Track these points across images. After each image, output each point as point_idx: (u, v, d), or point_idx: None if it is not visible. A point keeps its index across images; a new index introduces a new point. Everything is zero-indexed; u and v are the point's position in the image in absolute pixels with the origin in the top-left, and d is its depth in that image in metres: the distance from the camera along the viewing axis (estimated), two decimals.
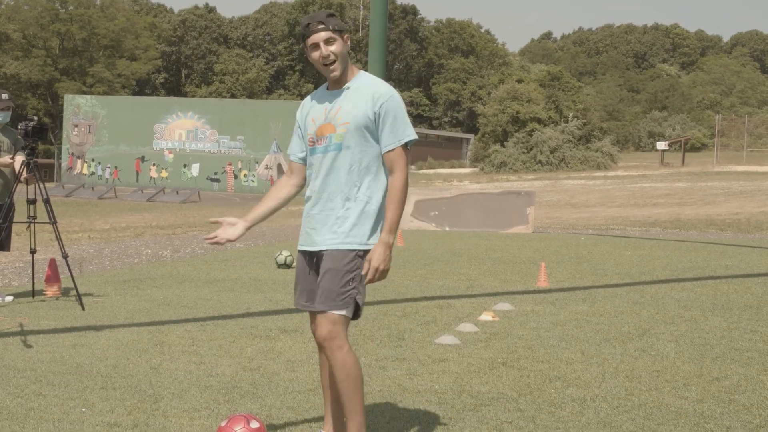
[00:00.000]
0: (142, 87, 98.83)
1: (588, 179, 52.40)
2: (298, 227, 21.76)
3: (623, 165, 70.80)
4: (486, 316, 8.43)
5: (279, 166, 42.60)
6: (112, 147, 43.71)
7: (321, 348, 4.26)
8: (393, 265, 12.75)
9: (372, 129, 4.19)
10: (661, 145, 76.24)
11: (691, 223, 23.22)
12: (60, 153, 47.79)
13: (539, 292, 10.35)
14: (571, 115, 76.64)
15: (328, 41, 4.21)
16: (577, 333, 7.82)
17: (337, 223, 4.19)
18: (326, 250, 4.20)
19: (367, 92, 4.22)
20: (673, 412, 5.37)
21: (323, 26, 4.21)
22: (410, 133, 4.20)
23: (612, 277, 11.68)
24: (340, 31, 4.23)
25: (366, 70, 4.63)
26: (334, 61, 4.22)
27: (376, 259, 4.08)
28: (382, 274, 4.11)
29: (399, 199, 4.16)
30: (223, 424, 4.30)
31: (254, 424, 4.29)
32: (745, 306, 9.33)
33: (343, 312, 4.16)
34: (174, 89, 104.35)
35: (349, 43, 4.29)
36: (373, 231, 4.20)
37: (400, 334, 7.69)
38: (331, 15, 4.27)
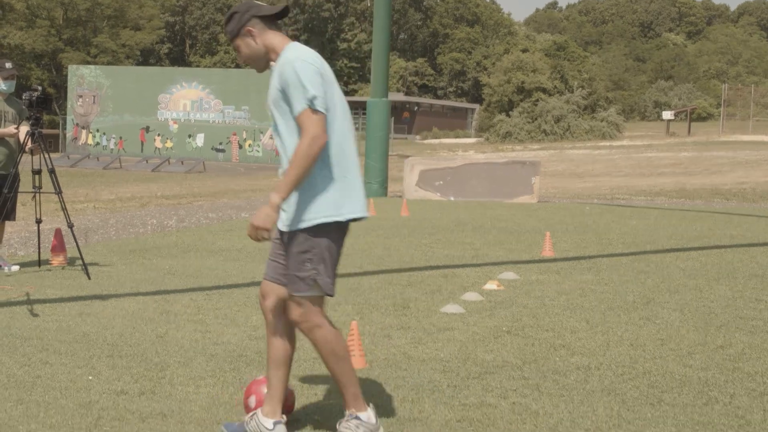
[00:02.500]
0: (147, 57, 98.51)
1: (593, 149, 52.29)
2: None
3: (629, 135, 70.63)
4: (491, 285, 8.44)
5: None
6: (116, 117, 43.63)
7: (295, 326, 4.26)
8: (398, 234, 12.76)
9: (285, 103, 4.07)
10: (667, 114, 75.99)
11: (696, 192, 23.19)
12: (65, 123, 47.77)
13: (544, 261, 10.36)
14: (576, 84, 76.36)
15: (236, 49, 4.23)
16: (582, 302, 7.83)
17: (287, 203, 4.09)
18: (283, 231, 4.15)
19: (276, 68, 4.13)
20: (678, 379, 5.39)
21: (228, 36, 4.24)
22: (307, 95, 3.97)
23: (617, 247, 11.67)
24: (237, 35, 4.17)
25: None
26: (249, 64, 4.21)
27: (253, 217, 4.02)
28: (257, 231, 4.01)
29: (296, 162, 3.95)
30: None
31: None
32: (750, 275, 9.33)
33: (308, 294, 4.12)
34: (178, 59, 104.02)
35: (255, 29, 4.15)
36: (318, 205, 4.06)
37: (405, 303, 7.70)
38: (229, 18, 4.20)
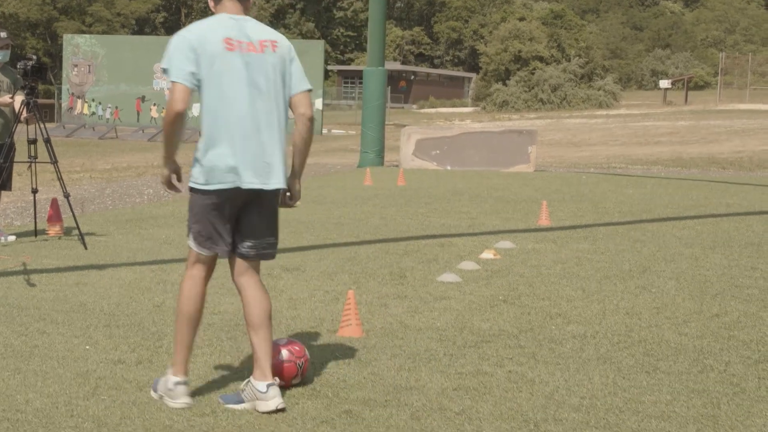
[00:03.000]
0: (142, 26, 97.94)
1: (590, 118, 52.21)
2: None
3: (625, 103, 70.49)
4: (487, 254, 8.45)
5: None
6: (112, 87, 43.43)
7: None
8: (395, 203, 12.77)
9: None
10: (664, 83, 75.82)
11: (693, 161, 23.18)
12: (60, 93, 47.57)
13: (540, 230, 10.36)
14: (573, 53, 76.11)
15: None
16: (578, 270, 7.84)
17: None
18: None
19: None
20: (673, 348, 5.41)
21: None
22: (163, 65, 4.27)
23: (613, 215, 11.68)
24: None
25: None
26: None
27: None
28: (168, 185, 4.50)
29: (162, 133, 4.38)
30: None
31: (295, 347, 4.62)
32: (746, 243, 9.35)
33: (189, 242, 4.47)
34: (174, 28, 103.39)
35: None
36: (194, 170, 4.32)
37: (401, 272, 7.71)
38: None
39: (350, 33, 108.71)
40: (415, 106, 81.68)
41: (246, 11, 4.39)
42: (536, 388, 4.62)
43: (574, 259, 8.42)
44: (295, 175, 4.50)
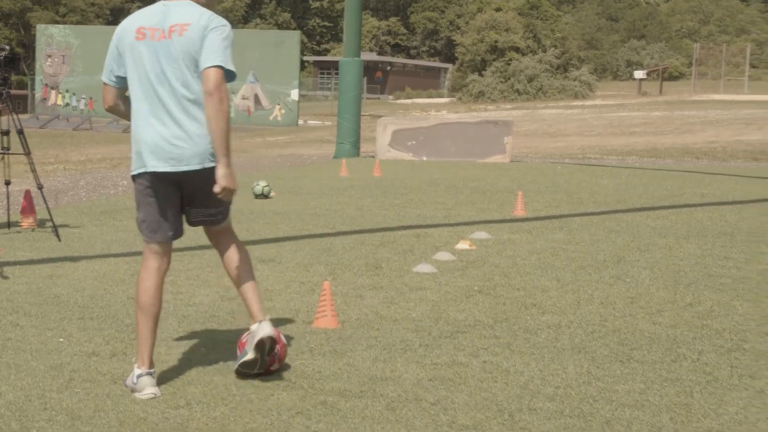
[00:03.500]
0: (116, 16, 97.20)
1: (565, 108, 52.37)
2: (275, 158, 21.70)
3: (601, 94, 70.72)
4: (463, 245, 8.47)
5: (256, 96, 42.31)
6: (86, 77, 43.19)
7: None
8: (371, 194, 12.77)
9: None
10: (639, 74, 76.08)
11: (667, 151, 23.30)
12: (33, 84, 47.21)
13: (516, 220, 10.39)
14: (549, 44, 76.27)
15: None
16: (553, 261, 7.87)
17: None
18: None
19: None
20: (647, 337, 5.45)
21: None
22: None
23: (588, 206, 11.73)
24: None
25: None
26: None
27: None
28: None
29: None
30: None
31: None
32: (720, 233, 9.42)
33: (142, 234, 4.60)
34: None
35: None
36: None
37: (377, 263, 7.72)
38: None
39: (326, 23, 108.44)
40: (391, 97, 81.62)
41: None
42: (511, 378, 4.64)
43: (549, 249, 8.45)
44: (217, 158, 4.36)
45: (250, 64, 41.43)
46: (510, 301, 6.35)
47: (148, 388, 4.35)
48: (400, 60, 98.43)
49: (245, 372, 4.53)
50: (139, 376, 4.37)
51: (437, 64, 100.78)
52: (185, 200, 4.53)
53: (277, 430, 3.95)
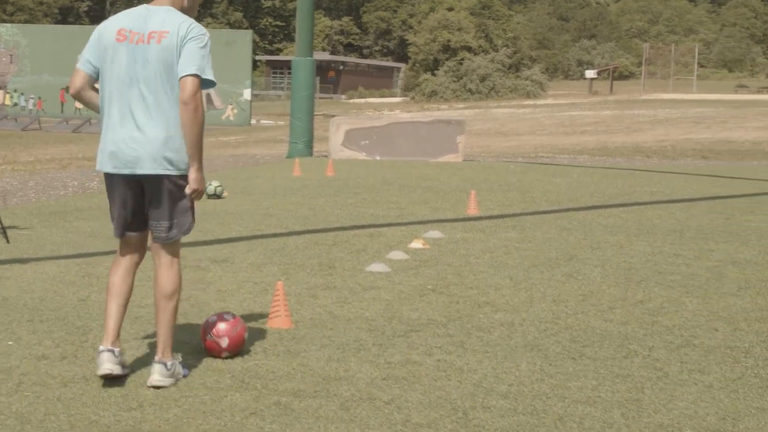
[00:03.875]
0: (65, 15, 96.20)
1: (518, 108, 52.71)
2: (228, 158, 21.58)
3: (552, 93, 71.29)
4: (416, 244, 8.48)
5: (208, 96, 42.01)
6: (35, 77, 42.68)
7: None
8: (324, 194, 12.75)
9: None
10: (590, 73, 76.84)
11: (618, 150, 23.54)
12: None
13: (469, 219, 10.44)
14: (501, 43, 76.71)
15: None
16: (506, 259, 7.91)
17: None
18: None
19: None
20: (599, 334, 5.50)
21: None
22: None
23: (540, 204, 11.81)
24: None
25: None
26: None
27: None
28: None
29: None
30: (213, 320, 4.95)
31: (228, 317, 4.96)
32: (669, 230, 9.53)
33: None
34: (99, 18, 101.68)
35: None
36: None
37: (330, 262, 7.70)
38: None
39: (278, 23, 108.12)
40: (344, 97, 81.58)
41: (176, 2, 4.56)
42: (465, 376, 4.66)
43: (502, 247, 8.50)
44: (190, 163, 4.46)
45: None
46: (463, 300, 6.37)
47: (105, 364, 4.42)
48: (352, 59, 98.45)
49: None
50: (100, 351, 4.47)
51: (390, 63, 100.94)
52: (147, 210, 4.58)
53: (231, 431, 3.93)
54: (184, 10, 4.57)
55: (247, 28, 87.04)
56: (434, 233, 9.17)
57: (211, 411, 4.15)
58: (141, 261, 4.79)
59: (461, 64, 71.59)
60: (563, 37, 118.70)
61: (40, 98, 42.64)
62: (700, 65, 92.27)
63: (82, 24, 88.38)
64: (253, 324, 5.70)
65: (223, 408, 4.19)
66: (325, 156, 20.19)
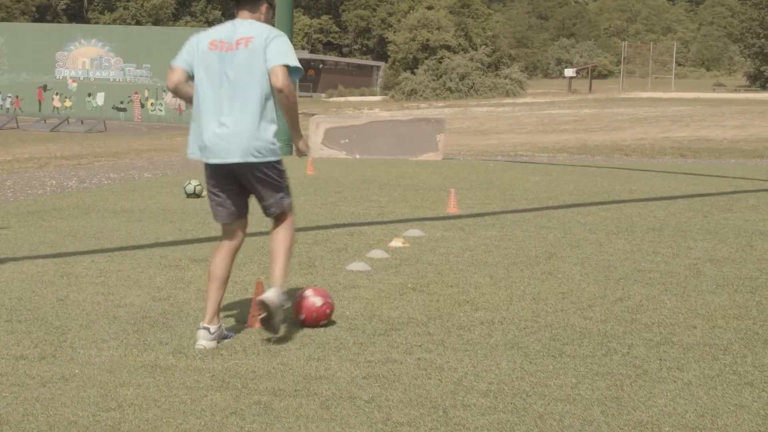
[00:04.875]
0: (43, 13, 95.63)
1: (497, 106, 52.81)
2: None
3: (532, 92, 71.48)
4: (396, 243, 8.49)
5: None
6: (12, 76, 42.37)
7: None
8: (304, 192, 12.73)
9: None
10: (569, 72, 77.08)
11: (597, 148, 23.63)
12: None
13: (449, 218, 10.45)
14: (480, 42, 76.83)
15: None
16: (486, 257, 7.93)
17: None
18: None
19: None
20: (578, 332, 5.51)
21: None
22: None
23: (520, 203, 11.84)
24: None
25: None
26: None
27: None
28: None
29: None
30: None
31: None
32: (648, 228, 9.57)
33: None
34: (76, 16, 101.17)
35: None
36: None
37: (311, 261, 7.70)
38: None
39: None
40: (323, 95, 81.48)
41: (254, 16, 5.29)
42: (445, 375, 4.66)
43: (482, 246, 8.51)
44: (292, 135, 5.43)
45: None
46: (443, 298, 6.38)
47: (200, 340, 5.09)
48: (332, 58, 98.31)
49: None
50: (198, 328, 5.15)
51: (369, 62, 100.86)
52: (251, 193, 5.33)
53: (211, 431, 3.91)
54: (262, 22, 5.30)
55: None
56: (414, 232, 9.17)
57: (191, 411, 4.14)
58: (240, 245, 5.44)
59: (441, 62, 71.65)
60: (542, 35, 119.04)
61: (17, 97, 42.37)
62: (678, 64, 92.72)
63: (60, 22, 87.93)
64: (233, 323, 5.69)
65: (203, 408, 4.18)
66: (305, 155, 20.13)
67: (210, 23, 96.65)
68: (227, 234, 5.37)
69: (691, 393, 4.41)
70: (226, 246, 5.35)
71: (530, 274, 7.23)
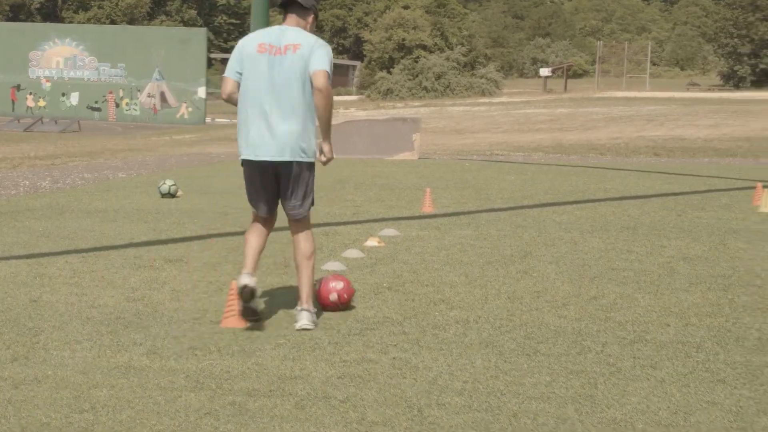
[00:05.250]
0: (16, 12, 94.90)
1: (473, 105, 52.90)
2: (181, 156, 21.45)
3: (507, 91, 71.61)
4: (372, 242, 8.49)
5: (162, 94, 41.71)
6: None
7: None
8: None
9: None
10: (545, 71, 77.25)
11: (572, 147, 23.71)
12: None
13: (424, 217, 10.46)
14: (456, 41, 76.95)
15: None
16: (461, 257, 7.94)
17: None
18: None
19: None
20: (553, 330, 5.54)
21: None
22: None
23: (495, 202, 11.87)
24: None
25: None
26: None
27: None
28: None
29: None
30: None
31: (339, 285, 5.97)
32: (622, 227, 9.62)
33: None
34: (50, 15, 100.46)
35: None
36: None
37: (286, 261, 7.68)
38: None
39: (233, 20, 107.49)
40: None
41: (301, 24, 5.69)
42: (420, 374, 4.67)
43: (458, 245, 8.52)
44: (323, 137, 5.68)
45: (156, 61, 40.86)
46: (419, 298, 6.38)
47: (243, 278, 5.48)
48: None
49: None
50: (241, 274, 5.54)
51: (345, 61, 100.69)
52: (280, 188, 5.64)
53: None
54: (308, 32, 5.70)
55: (201, 26, 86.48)
56: (390, 231, 9.18)
57: (165, 411, 4.12)
58: (270, 231, 5.84)
59: (417, 62, 71.62)
60: (518, 35, 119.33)
61: None
62: (653, 63, 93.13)
63: (34, 21, 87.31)
64: (207, 323, 5.67)
65: (177, 408, 4.16)
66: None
67: (185, 23, 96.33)
68: (264, 222, 5.78)
69: (664, 390, 4.44)
70: (262, 231, 5.77)
71: (505, 273, 7.25)
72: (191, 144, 28.33)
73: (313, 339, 5.30)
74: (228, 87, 5.69)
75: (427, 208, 10.93)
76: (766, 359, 4.98)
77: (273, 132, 5.47)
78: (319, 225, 9.74)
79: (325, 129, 5.66)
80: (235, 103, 5.71)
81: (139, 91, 41.26)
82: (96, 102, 41.70)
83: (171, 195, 12.17)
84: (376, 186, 13.75)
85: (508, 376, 4.64)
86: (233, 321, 5.57)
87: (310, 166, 5.64)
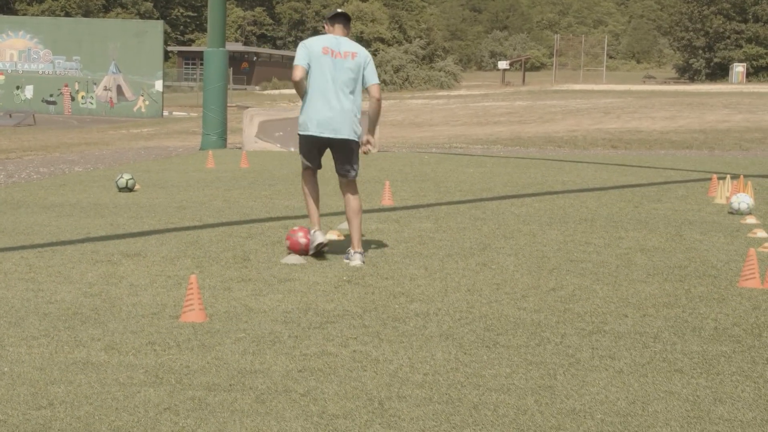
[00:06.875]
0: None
1: (432, 98, 53.00)
2: (138, 150, 21.27)
3: (466, 84, 71.85)
4: (332, 235, 8.47)
5: (119, 87, 41.35)
6: None
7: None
8: (238, 186, 12.66)
9: None
10: (503, 64, 77.58)
11: (530, 140, 23.84)
12: None
13: (384, 210, 10.46)
14: (414, 34, 76.99)
15: None
16: (421, 249, 7.96)
17: None
18: None
19: None
20: (512, 322, 5.56)
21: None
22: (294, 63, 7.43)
23: (455, 194, 11.90)
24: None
25: None
26: None
27: None
28: None
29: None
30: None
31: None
32: (580, 219, 9.69)
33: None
34: (3, 7, 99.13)
35: (325, 25, 7.62)
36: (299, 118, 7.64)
37: (245, 255, 7.65)
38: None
39: (190, 13, 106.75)
40: (258, 88, 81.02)
41: (346, 34, 7.45)
42: (380, 367, 4.67)
43: (417, 238, 8.54)
44: (368, 131, 7.62)
45: (112, 54, 40.48)
46: (378, 291, 6.39)
47: (319, 237, 7.35)
48: (266, 50, 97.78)
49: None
50: (314, 232, 7.38)
51: None
52: (335, 156, 7.51)
53: (145, 428, 3.87)
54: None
55: (158, 19, 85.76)
56: None
57: (124, 407, 4.09)
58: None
59: (375, 55, 71.67)
60: (476, 28, 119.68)
61: None
62: (609, 56, 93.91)
63: None
64: (166, 318, 5.63)
65: (136, 404, 4.13)
66: (239, 148, 20.03)
67: (142, 15, 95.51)
68: (314, 173, 7.65)
69: (622, 380, 4.48)
70: (315, 180, 7.67)
71: (465, 265, 7.27)
72: (148, 137, 28.11)
73: (273, 333, 5.29)
74: (299, 72, 7.25)
75: (387, 201, 10.94)
76: (722, 349, 5.04)
77: (337, 116, 7.23)
78: (278, 219, 9.72)
79: (373, 127, 7.61)
80: (301, 88, 7.28)
81: (95, 84, 40.88)
82: (51, 95, 41.27)
83: (128, 189, 12.06)
84: (334, 179, 13.70)
85: (468, 368, 4.66)
86: (192, 315, 5.54)
87: (357, 143, 7.43)
